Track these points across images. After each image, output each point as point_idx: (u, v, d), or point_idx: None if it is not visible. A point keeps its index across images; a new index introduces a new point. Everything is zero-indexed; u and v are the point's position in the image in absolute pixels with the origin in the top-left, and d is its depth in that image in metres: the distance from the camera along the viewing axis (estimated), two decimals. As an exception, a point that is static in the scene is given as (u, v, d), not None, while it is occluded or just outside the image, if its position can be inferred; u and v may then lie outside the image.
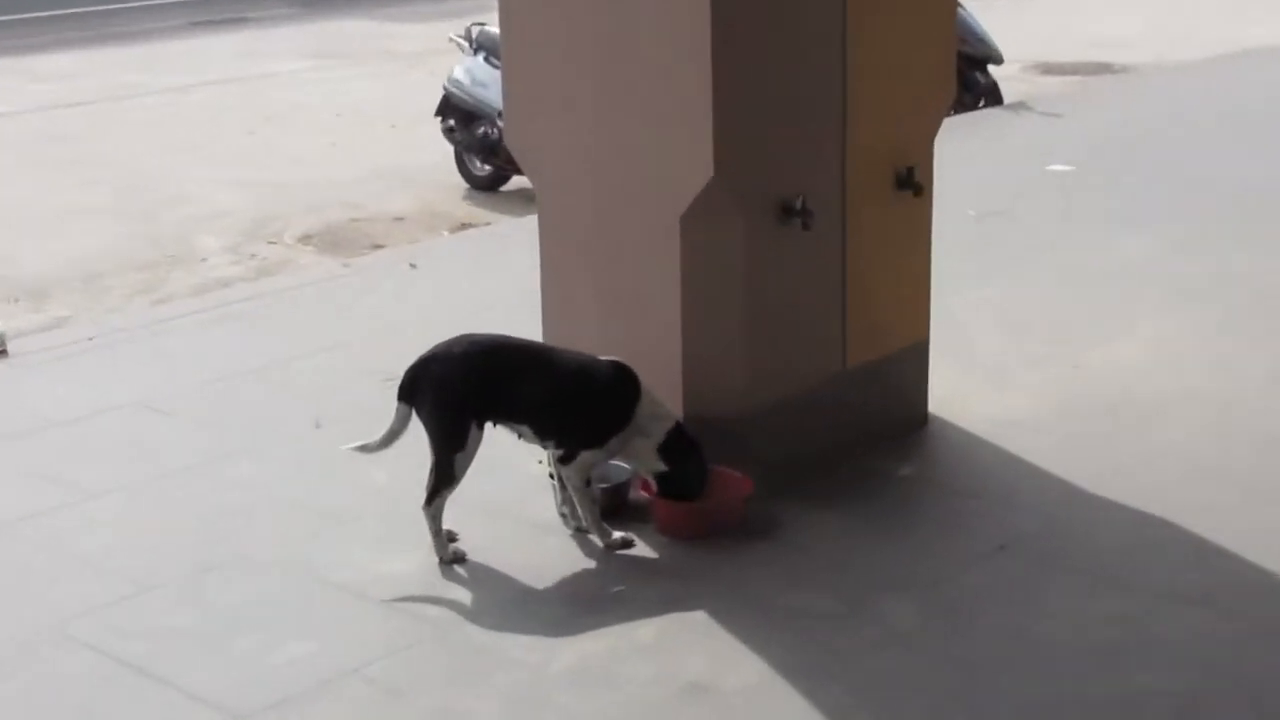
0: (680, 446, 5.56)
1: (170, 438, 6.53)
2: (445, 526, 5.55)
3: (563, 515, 5.80)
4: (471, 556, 5.57)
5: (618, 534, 5.64)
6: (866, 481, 6.05)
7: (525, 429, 5.54)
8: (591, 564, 5.52)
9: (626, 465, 5.75)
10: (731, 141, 5.34)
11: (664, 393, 5.68)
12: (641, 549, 5.63)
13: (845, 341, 6.11)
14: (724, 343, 5.71)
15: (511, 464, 6.02)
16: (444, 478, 5.46)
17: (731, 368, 5.73)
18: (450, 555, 5.54)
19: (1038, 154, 11.36)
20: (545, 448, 5.60)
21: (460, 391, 5.36)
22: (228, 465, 6.28)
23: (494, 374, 5.36)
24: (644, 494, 5.71)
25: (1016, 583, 5.20)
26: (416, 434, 5.49)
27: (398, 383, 5.43)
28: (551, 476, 5.74)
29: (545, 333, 6.05)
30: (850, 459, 6.09)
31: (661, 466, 5.58)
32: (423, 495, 5.53)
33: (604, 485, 5.83)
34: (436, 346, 5.48)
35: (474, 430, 5.42)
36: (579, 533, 5.72)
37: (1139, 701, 4.49)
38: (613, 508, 5.83)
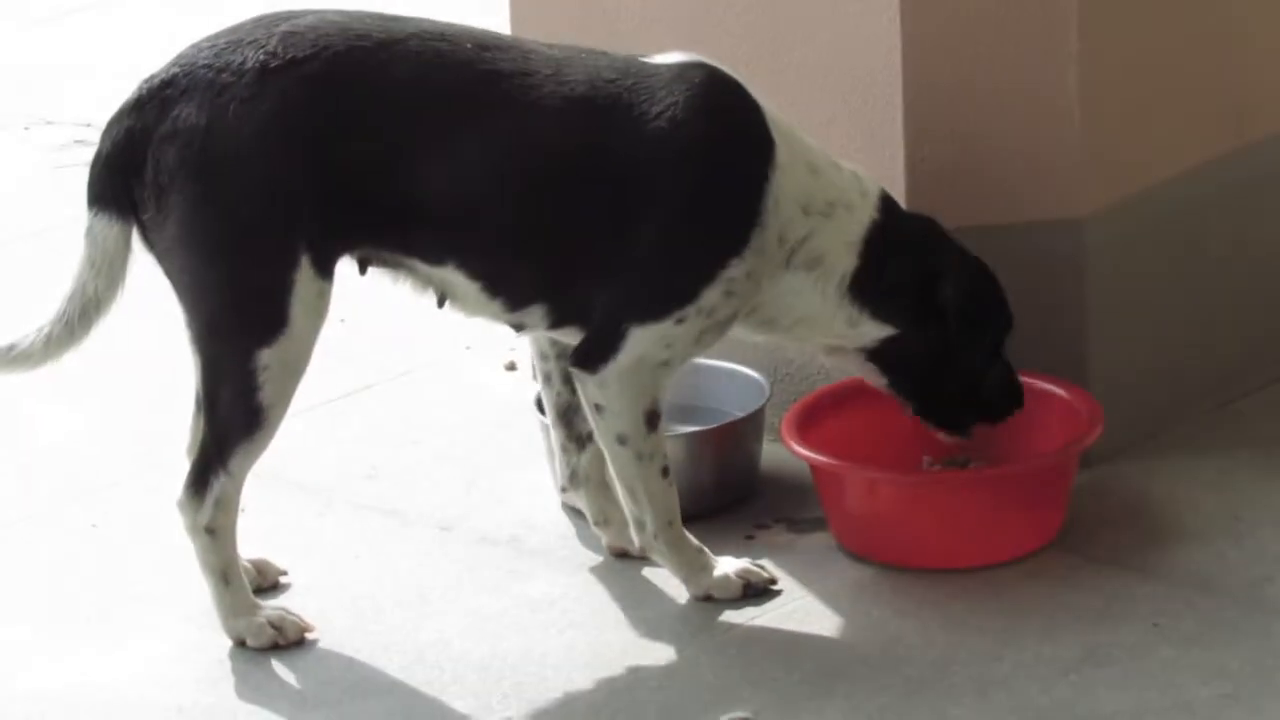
0: (912, 267, 2.89)
1: None
2: (252, 555, 2.99)
3: (569, 508, 3.18)
4: (331, 636, 2.94)
5: (730, 562, 3.01)
6: None
7: (453, 273, 2.84)
8: (658, 652, 2.85)
9: (753, 375, 3.22)
10: None
11: (864, 135, 3.27)
12: (801, 601, 2.98)
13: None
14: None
15: (456, 370, 3.70)
16: (233, 417, 2.80)
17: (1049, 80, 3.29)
18: (267, 635, 2.90)
19: None
20: (523, 327, 2.91)
21: (271, 175, 2.75)
22: None
23: (362, 120, 2.78)
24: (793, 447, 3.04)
25: None
26: (158, 305, 2.93)
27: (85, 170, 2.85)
28: (541, 409, 3.11)
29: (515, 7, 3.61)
30: None
31: (873, 331, 2.91)
32: (181, 473, 2.88)
33: (691, 431, 3.22)
34: (195, 52, 2.75)
35: (304, 279, 2.79)
36: (622, 558, 3.10)
37: None
38: (720, 486, 3.13)
